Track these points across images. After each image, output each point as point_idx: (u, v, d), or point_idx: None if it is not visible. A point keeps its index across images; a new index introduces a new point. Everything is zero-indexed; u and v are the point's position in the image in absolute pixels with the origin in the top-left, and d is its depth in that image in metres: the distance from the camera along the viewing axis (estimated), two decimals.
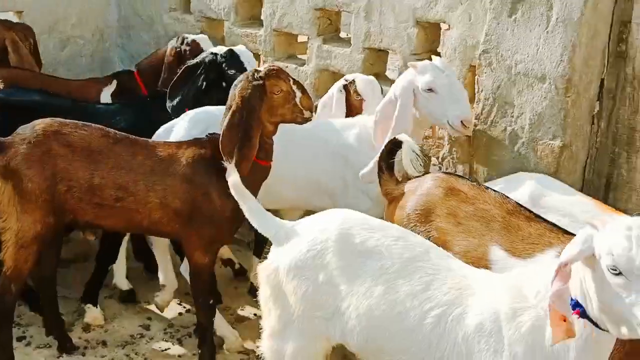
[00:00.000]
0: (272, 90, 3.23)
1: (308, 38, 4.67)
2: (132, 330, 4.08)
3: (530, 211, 2.84)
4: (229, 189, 3.23)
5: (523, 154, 3.59)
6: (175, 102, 3.96)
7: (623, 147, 3.56)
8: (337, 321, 2.56)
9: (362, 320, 2.49)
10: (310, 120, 3.37)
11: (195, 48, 4.33)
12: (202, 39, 4.43)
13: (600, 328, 2.10)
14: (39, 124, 3.38)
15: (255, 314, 4.25)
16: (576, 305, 2.11)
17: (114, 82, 4.63)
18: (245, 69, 3.84)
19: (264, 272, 2.69)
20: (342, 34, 4.84)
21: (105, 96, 4.57)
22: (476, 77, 3.72)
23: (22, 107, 3.95)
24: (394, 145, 3.23)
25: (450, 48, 3.97)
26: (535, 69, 3.47)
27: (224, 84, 3.93)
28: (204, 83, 3.98)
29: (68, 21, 5.61)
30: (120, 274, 4.32)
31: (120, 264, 4.30)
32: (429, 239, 2.81)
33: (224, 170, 3.14)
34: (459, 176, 3.09)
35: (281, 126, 3.39)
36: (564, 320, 2.07)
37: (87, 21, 5.69)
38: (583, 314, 2.11)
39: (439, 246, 2.72)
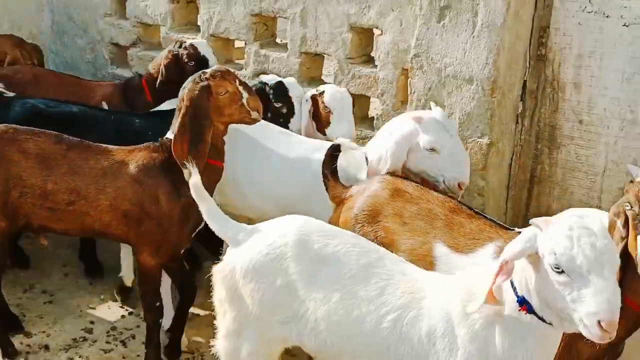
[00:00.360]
0: (218, 91, 3.28)
1: (245, 43, 4.78)
2: (75, 333, 4.05)
3: (471, 208, 2.99)
4: (177, 192, 3.32)
5: None
6: None
7: (545, 144, 3.82)
8: (294, 325, 2.59)
9: (320, 324, 2.53)
10: (259, 121, 3.42)
11: (194, 52, 4.29)
12: (201, 44, 4.37)
13: (546, 322, 2.19)
14: None
15: (199, 314, 4.31)
16: (523, 301, 2.21)
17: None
18: (292, 103, 3.94)
19: (219, 273, 2.71)
20: (278, 40, 4.97)
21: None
22: (409, 79, 3.91)
23: (59, 119, 3.92)
24: (335, 151, 3.29)
25: (383, 52, 4.16)
26: (463, 71, 3.69)
27: (268, 114, 3.91)
28: None
29: (0, 27, 5.53)
30: (127, 269, 4.38)
31: (127, 261, 4.35)
32: (376, 239, 2.92)
33: (174, 173, 3.22)
34: (405, 178, 3.17)
35: None
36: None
37: (20, 27, 5.62)
38: (530, 310, 2.20)
39: (386, 245, 2.83)
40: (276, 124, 3.86)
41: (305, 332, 2.57)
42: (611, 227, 2.56)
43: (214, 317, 4.24)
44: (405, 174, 3.32)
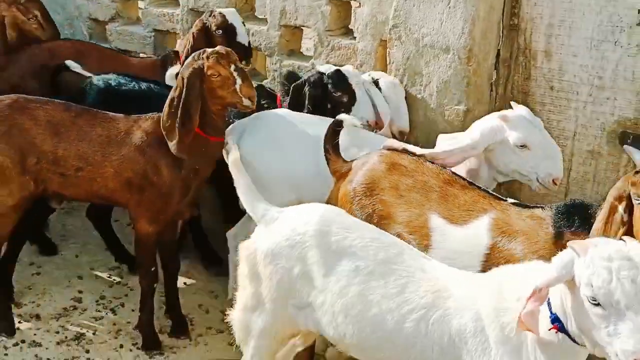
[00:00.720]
0: (210, 73, 3.35)
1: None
2: (65, 303, 4.16)
3: (465, 179, 3.04)
4: (179, 163, 3.44)
5: (432, 119, 3.95)
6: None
7: None
8: (310, 313, 2.65)
9: (338, 317, 2.55)
10: (251, 109, 3.47)
11: (221, 20, 4.25)
12: (229, 13, 4.31)
13: (577, 342, 2.16)
14: (4, 100, 3.55)
15: (186, 282, 4.42)
16: (555, 320, 2.16)
17: (177, 64, 4.43)
18: (353, 92, 3.78)
19: (244, 250, 2.79)
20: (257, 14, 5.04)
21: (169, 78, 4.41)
22: (387, 50, 4.04)
23: (131, 97, 3.99)
24: (337, 126, 3.32)
25: (362, 24, 4.27)
26: (440, 41, 3.83)
27: (329, 105, 3.81)
28: (308, 104, 3.83)
29: None
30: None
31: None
32: (374, 212, 2.99)
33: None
34: (402, 151, 3.18)
35: None
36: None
37: None
38: (561, 329, 2.16)
39: (383, 218, 2.93)
40: (337, 114, 3.62)
41: (323, 323, 2.62)
42: (612, 211, 2.58)
43: (200, 286, 4.40)
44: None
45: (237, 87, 3.36)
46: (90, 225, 4.64)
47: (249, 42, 4.34)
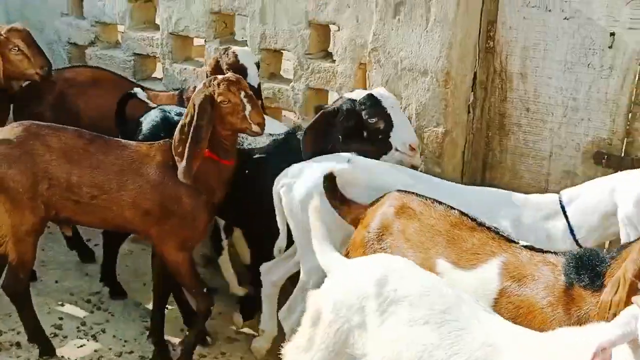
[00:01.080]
0: (220, 99, 3.42)
1: (205, 41, 4.88)
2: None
3: (475, 219, 2.92)
4: (197, 189, 3.49)
5: None
6: (309, 151, 3.55)
7: (495, 132, 4.05)
8: None
9: None
10: (259, 134, 3.50)
11: (234, 60, 4.13)
12: (243, 53, 4.19)
13: None
14: (17, 126, 3.63)
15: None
16: None
17: None
18: (388, 116, 3.54)
19: (312, 297, 2.77)
20: (237, 37, 5.09)
21: None
22: (367, 73, 4.10)
23: None
24: (331, 180, 3.24)
25: (341, 47, 4.33)
26: (419, 64, 3.89)
27: (364, 133, 3.58)
28: (342, 134, 3.56)
29: None
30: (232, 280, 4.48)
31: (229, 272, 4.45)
32: None
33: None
34: (413, 193, 3.11)
35: None
36: None
37: None
38: None
39: None
40: (375, 142, 3.58)
41: None
42: (632, 289, 2.37)
43: (177, 313, 4.33)
44: None
45: (247, 113, 3.43)
46: (70, 251, 4.63)
47: (259, 84, 4.24)
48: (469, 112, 4.08)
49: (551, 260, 2.69)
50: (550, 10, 3.75)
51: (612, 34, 3.63)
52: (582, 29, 3.69)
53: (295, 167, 3.49)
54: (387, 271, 2.58)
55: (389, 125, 3.55)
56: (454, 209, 2.98)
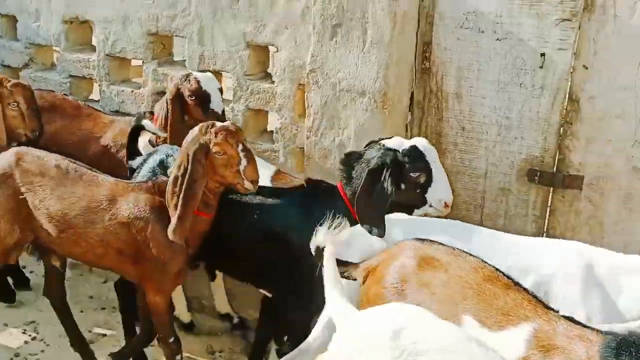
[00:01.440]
0: (216, 150, 3.23)
1: (143, 62, 4.83)
2: None
3: (511, 278, 2.66)
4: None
5: None
6: (372, 222, 3.21)
7: None
8: None
9: None
10: (252, 191, 3.33)
11: (195, 87, 4.02)
12: (204, 78, 4.07)
13: None
14: (10, 150, 3.60)
15: (105, 334, 4.30)
16: None
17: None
18: (430, 170, 3.36)
19: (325, 354, 2.60)
20: (176, 58, 5.05)
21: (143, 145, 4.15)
22: (305, 94, 4.12)
23: None
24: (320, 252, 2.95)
25: (280, 68, 4.34)
26: (357, 85, 3.93)
27: (402, 186, 3.35)
28: (391, 191, 3.27)
29: None
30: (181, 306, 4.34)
31: (180, 297, 4.30)
32: None
33: (166, 215, 3.29)
34: (433, 242, 2.87)
35: None
36: None
37: None
38: None
39: None
40: (411, 195, 3.39)
41: None
42: None
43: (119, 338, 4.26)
44: None
45: (242, 168, 3.24)
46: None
47: (224, 111, 4.14)
48: (407, 131, 4.14)
49: (590, 337, 2.40)
50: (483, 32, 3.85)
51: (543, 55, 3.74)
52: (514, 50, 3.79)
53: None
54: (401, 324, 2.33)
55: (429, 180, 3.39)
56: (487, 263, 2.70)
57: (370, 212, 3.22)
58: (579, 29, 3.65)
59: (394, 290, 2.74)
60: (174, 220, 3.23)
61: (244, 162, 3.24)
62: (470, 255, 2.76)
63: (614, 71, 3.64)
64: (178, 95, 4.05)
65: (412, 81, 4.08)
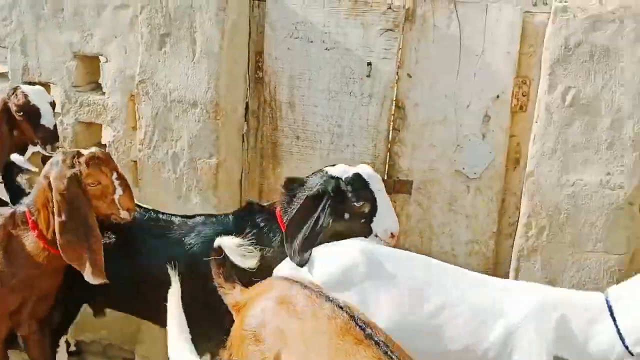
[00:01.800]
0: (88, 181, 3.01)
1: None
2: None
3: (364, 328, 2.32)
4: (10, 273, 3.04)
5: (186, 173, 3.93)
6: (298, 247, 3.00)
7: (269, 160, 4.11)
8: None
9: None
10: (128, 220, 3.12)
11: (23, 102, 3.76)
12: (34, 92, 3.82)
13: None
14: None
15: None
16: None
17: None
18: (374, 200, 3.15)
19: None
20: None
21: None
22: (136, 105, 3.98)
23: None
24: (220, 252, 2.82)
25: (110, 79, 4.17)
26: (188, 96, 3.85)
27: (346, 215, 3.15)
28: (331, 219, 3.10)
29: None
30: None
31: None
32: None
33: (11, 249, 3.03)
34: (296, 282, 2.57)
35: None
36: None
37: None
38: None
39: None
40: (355, 225, 3.18)
41: None
42: None
43: None
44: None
45: (116, 197, 3.06)
46: None
47: (55, 125, 3.89)
48: (243, 141, 4.11)
49: None
50: (312, 42, 3.89)
51: (369, 64, 3.84)
52: (343, 59, 3.87)
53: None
54: None
55: (374, 209, 3.20)
56: (343, 308, 2.39)
57: (298, 238, 3.03)
58: (401, 38, 3.78)
59: (253, 335, 2.47)
60: (87, 267, 2.94)
61: (119, 190, 3.09)
62: (328, 300, 2.45)
63: (434, 79, 3.80)
64: (5, 111, 3.84)
65: (247, 91, 4.06)
